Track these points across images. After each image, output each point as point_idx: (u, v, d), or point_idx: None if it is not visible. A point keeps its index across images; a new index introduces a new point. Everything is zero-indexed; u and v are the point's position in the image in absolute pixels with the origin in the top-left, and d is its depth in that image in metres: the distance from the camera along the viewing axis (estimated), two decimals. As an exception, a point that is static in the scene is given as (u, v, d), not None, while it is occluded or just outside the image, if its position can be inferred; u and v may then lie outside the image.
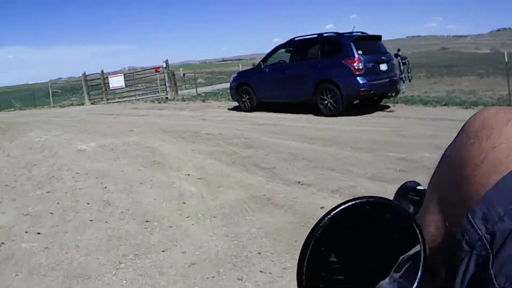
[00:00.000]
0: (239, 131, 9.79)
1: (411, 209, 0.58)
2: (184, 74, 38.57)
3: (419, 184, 0.61)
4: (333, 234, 0.40)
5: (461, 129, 0.46)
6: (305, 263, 0.39)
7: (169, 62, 22.38)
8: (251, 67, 14.43)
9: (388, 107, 11.92)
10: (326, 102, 10.87)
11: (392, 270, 0.43)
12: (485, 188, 0.39)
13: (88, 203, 4.73)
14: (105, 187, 5.37)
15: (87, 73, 23.33)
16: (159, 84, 22.25)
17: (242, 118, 12.03)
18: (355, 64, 10.45)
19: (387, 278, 0.43)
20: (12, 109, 24.42)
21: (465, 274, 0.37)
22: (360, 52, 10.57)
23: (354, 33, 11.39)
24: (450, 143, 0.46)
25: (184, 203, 4.73)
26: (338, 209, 0.40)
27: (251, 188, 5.23)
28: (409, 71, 11.21)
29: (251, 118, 11.97)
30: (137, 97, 22.36)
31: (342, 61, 10.64)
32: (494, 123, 0.42)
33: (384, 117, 10.51)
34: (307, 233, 0.39)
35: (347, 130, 9.01)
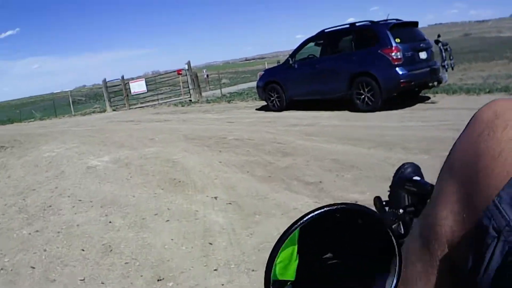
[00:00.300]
0: (271, 134, 8.56)
1: (408, 199, 0.62)
2: (207, 75, 37.45)
3: (419, 171, 0.63)
4: (307, 239, 0.41)
5: (470, 121, 0.46)
6: (272, 269, 0.40)
7: (192, 64, 21.32)
8: (276, 64, 13.47)
9: (429, 98, 10.62)
10: (363, 96, 9.91)
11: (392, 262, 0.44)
12: (506, 178, 0.38)
13: (83, 249, 3.53)
14: (110, 222, 4.16)
15: (109, 79, 22.51)
16: (182, 87, 21.19)
17: (272, 119, 10.80)
18: (393, 53, 9.42)
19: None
20: (33, 119, 23.81)
21: (491, 260, 0.37)
22: (397, 40, 9.50)
23: (389, 21, 10.25)
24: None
25: (211, 244, 3.48)
26: (306, 217, 0.40)
27: (296, 214, 3.95)
28: (451, 58, 9.97)
29: (282, 118, 10.77)
30: (160, 102, 21.41)
31: (379, 51, 9.60)
32: (509, 114, 0.42)
33: (428, 109, 9.19)
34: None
35: (390, 127, 7.79)
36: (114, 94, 23.28)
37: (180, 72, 21.09)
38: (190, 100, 19.98)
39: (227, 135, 8.98)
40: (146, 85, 21.93)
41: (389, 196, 0.74)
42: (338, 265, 0.44)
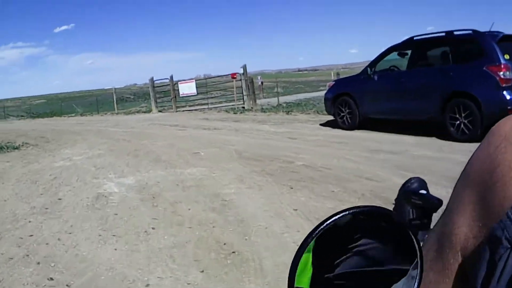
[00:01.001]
0: (352, 163, 6.16)
1: (413, 212, 0.60)
2: (262, 82, 35.22)
3: (425, 185, 0.62)
4: (327, 243, 0.41)
5: (488, 134, 0.47)
6: (295, 274, 0.39)
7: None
8: (336, 78, 11.20)
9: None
10: (459, 122, 7.83)
11: (411, 268, 0.42)
12: None
13: None
14: None
15: (158, 79, 20.73)
16: (235, 92, 18.96)
17: (344, 139, 8.40)
18: (501, 72, 7.40)
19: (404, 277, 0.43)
20: (74, 114, 22.37)
21: (503, 270, 0.37)
22: (506, 56, 7.44)
23: (495, 32, 8.04)
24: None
25: None
26: (328, 221, 0.39)
27: None
28: None
29: (356, 139, 8.40)
30: (210, 106, 19.34)
31: (484, 68, 7.52)
32: None
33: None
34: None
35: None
36: (161, 94, 21.50)
37: (235, 76, 18.93)
38: (243, 107, 17.77)
39: (294, 158, 6.58)
40: (196, 87, 19.96)
41: (395, 201, 0.69)
42: (352, 274, 0.43)
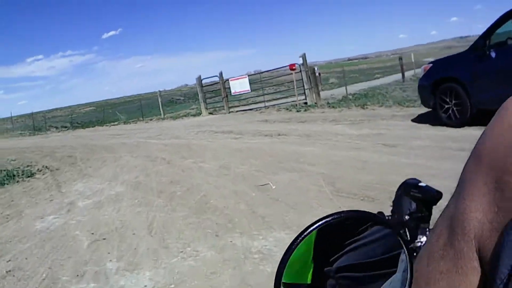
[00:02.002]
0: None
1: (414, 205, 0.62)
2: (319, 74, 31.98)
3: (420, 181, 0.63)
4: (321, 246, 0.42)
5: (500, 110, 0.43)
6: (283, 272, 0.40)
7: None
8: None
9: None
10: None
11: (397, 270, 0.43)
12: None
13: None
14: None
15: (207, 77, 18.29)
16: (295, 86, 16.06)
17: (462, 144, 5.41)
18: None
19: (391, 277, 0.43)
20: (117, 122, 20.38)
21: None
22: None
23: None
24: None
25: None
26: (318, 224, 0.41)
27: None
28: None
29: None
30: (267, 104, 16.66)
31: None
32: None
33: None
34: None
35: None
36: (212, 94, 19.06)
37: (294, 68, 16.04)
38: (305, 103, 14.98)
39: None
40: (250, 83, 17.32)
41: (393, 203, 0.72)
42: (350, 271, 0.44)
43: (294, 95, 15.95)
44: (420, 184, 0.62)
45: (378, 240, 0.45)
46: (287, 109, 14.48)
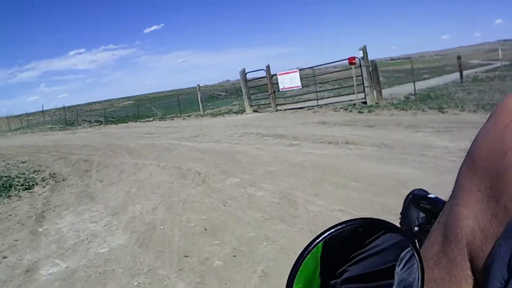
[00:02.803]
0: None
1: (422, 216, 0.61)
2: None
3: (428, 193, 0.62)
4: (332, 253, 0.41)
5: (495, 111, 0.42)
6: (293, 283, 0.39)
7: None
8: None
9: None
10: None
11: (396, 265, 0.42)
12: None
13: None
14: None
15: (252, 71, 16.24)
16: (355, 83, 13.68)
17: None
18: None
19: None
20: (151, 118, 18.66)
21: None
22: None
23: None
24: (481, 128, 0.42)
25: None
26: (328, 232, 0.39)
27: None
28: None
29: None
30: (320, 103, 14.47)
31: None
32: None
33: None
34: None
35: None
36: (256, 90, 17.01)
37: (354, 61, 13.69)
38: (364, 103, 12.68)
39: None
40: (301, 79, 15.18)
41: (401, 215, 0.70)
42: (356, 282, 0.42)
43: (350, 93, 13.71)
44: (429, 195, 0.59)
45: (385, 250, 0.42)
46: (346, 109, 12.27)
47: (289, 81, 15.12)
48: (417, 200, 0.62)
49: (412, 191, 0.64)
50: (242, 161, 6.35)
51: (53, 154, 9.79)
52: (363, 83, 13.31)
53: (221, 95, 36.84)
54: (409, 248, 0.41)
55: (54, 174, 7.07)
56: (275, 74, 15.38)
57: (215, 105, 22.95)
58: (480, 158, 0.40)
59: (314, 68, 16.00)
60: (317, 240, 0.39)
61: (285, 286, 0.37)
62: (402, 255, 0.42)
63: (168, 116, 18.46)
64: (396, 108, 11.02)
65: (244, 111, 16.15)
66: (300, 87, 15.27)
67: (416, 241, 0.44)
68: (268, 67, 15.56)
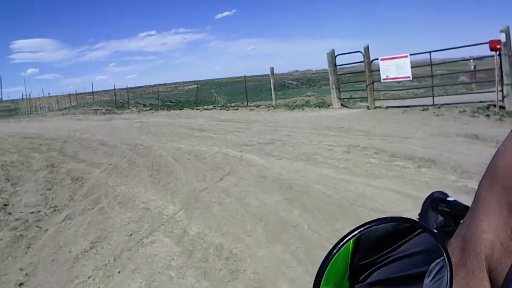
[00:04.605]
0: None
1: (441, 219, 0.60)
2: (475, 66, 24.11)
3: (447, 195, 0.60)
4: (360, 256, 0.40)
5: None
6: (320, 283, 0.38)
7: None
8: None
9: None
10: None
11: (425, 277, 0.40)
12: None
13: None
14: None
15: (342, 53, 12.43)
16: (496, 77, 9.44)
17: None
18: None
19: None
20: (212, 106, 15.44)
21: None
22: None
23: None
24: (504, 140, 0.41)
25: None
26: (356, 231, 0.38)
27: None
28: None
29: None
30: (436, 103, 10.56)
31: None
32: None
33: None
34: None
35: None
36: (345, 79, 13.33)
37: (498, 47, 9.40)
38: (502, 107, 8.79)
39: None
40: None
41: (419, 217, 0.69)
42: (381, 286, 0.41)
43: (468, 92, 9.71)
44: (448, 198, 0.58)
45: (413, 255, 0.41)
46: (474, 112, 8.35)
47: (396, 69, 11.22)
48: (436, 203, 0.58)
49: (432, 193, 0.60)
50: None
51: (47, 155, 6.73)
52: (502, 79, 9.16)
53: (291, 84, 34.27)
54: (440, 259, 0.39)
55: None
56: (376, 59, 11.51)
57: (286, 95, 20.22)
58: (501, 173, 0.39)
59: (434, 52, 11.76)
60: (348, 238, 0.37)
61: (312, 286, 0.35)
62: (431, 266, 0.39)
63: (232, 105, 15.05)
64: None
65: (329, 105, 12.47)
66: (411, 78, 11.29)
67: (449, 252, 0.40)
68: (367, 48, 11.66)
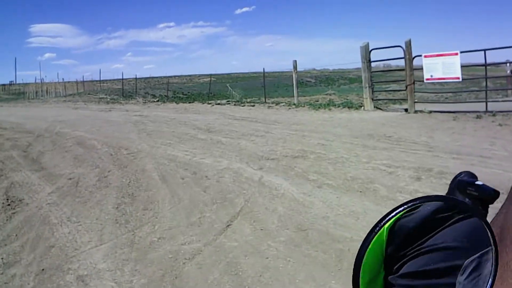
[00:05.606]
0: None
1: (470, 202, 0.53)
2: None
3: (476, 179, 0.54)
4: (396, 244, 0.39)
5: None
6: (360, 271, 0.37)
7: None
8: None
9: None
10: None
11: (458, 274, 0.38)
12: None
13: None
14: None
15: (377, 48, 10.85)
16: None
17: None
18: None
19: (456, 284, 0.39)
20: (225, 101, 13.93)
21: None
22: None
23: None
24: None
25: None
26: (401, 208, 0.37)
27: None
28: None
29: None
30: (490, 109, 9.00)
31: None
32: None
33: None
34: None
35: None
36: (379, 77, 11.81)
37: None
38: None
39: None
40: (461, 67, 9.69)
41: None
42: (414, 278, 0.39)
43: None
44: (477, 182, 0.50)
45: (449, 248, 0.39)
46: None
47: (443, 68, 9.63)
48: (463, 186, 0.51)
49: (459, 173, 0.53)
50: None
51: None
52: None
53: (310, 81, 33.12)
54: (475, 256, 0.37)
55: None
56: (418, 56, 9.91)
57: (305, 92, 18.95)
58: None
59: (489, 50, 10.04)
60: (387, 219, 0.36)
61: (351, 278, 0.35)
62: (466, 263, 0.38)
63: (248, 101, 13.47)
64: None
65: (359, 106, 10.86)
66: (460, 79, 9.65)
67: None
68: (408, 43, 10.02)
